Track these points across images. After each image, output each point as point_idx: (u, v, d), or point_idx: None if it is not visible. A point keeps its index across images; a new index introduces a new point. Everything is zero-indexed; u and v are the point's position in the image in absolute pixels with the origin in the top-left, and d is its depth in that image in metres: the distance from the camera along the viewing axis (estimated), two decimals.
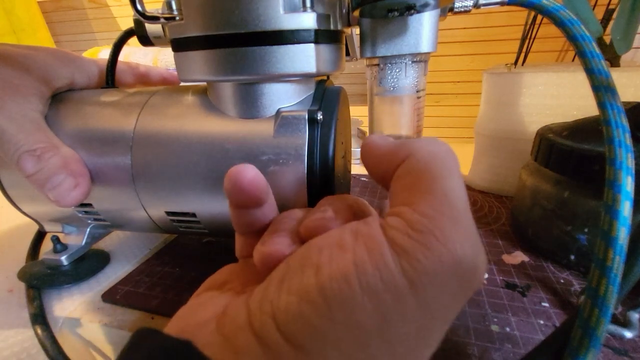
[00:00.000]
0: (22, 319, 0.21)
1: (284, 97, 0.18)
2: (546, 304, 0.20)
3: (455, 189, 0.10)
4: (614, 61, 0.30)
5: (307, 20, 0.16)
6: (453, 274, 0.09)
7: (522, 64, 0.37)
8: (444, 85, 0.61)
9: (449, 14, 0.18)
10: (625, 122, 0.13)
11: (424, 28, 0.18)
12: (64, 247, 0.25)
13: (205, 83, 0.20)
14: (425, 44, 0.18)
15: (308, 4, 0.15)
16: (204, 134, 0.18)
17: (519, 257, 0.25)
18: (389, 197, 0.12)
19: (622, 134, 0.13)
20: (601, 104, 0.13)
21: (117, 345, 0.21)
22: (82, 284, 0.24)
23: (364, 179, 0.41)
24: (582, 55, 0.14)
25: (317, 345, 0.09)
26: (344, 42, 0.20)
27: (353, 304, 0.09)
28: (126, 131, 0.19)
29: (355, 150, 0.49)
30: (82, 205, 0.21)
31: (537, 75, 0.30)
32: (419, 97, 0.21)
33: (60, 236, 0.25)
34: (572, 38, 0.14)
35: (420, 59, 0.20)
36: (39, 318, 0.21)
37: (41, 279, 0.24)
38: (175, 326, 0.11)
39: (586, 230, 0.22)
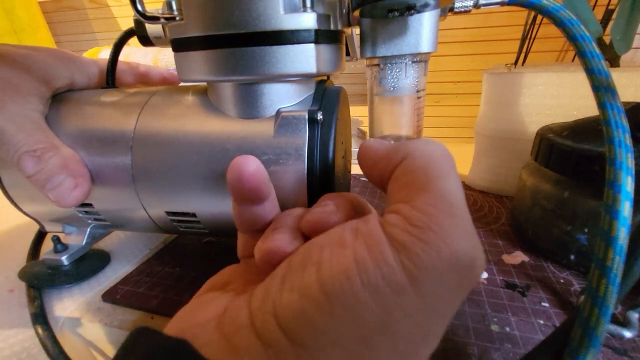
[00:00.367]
0: (23, 319, 0.21)
1: (284, 97, 0.18)
2: (546, 304, 0.20)
3: (452, 186, 0.10)
4: (614, 61, 0.30)
5: (307, 21, 0.16)
6: (452, 269, 0.09)
7: (522, 64, 0.37)
8: (444, 85, 0.61)
9: (449, 14, 0.18)
10: (625, 122, 0.13)
11: (424, 28, 0.18)
12: (65, 247, 0.25)
13: (205, 83, 0.20)
14: (425, 44, 0.18)
15: (308, 4, 0.15)
16: (204, 134, 0.18)
17: (519, 257, 0.25)
18: (386, 198, 0.12)
19: (622, 134, 0.13)
20: (601, 104, 0.13)
21: (118, 345, 0.21)
22: (82, 284, 0.24)
23: (364, 179, 0.41)
24: (582, 55, 0.14)
25: (319, 342, 0.09)
26: (344, 42, 0.20)
27: (355, 301, 0.09)
28: (126, 131, 0.19)
29: (355, 150, 0.49)
30: (83, 205, 0.21)
31: (537, 75, 0.30)
32: (419, 97, 0.21)
33: (61, 236, 0.25)
34: (572, 38, 0.14)
35: (420, 59, 0.20)
36: (40, 318, 0.21)
37: (42, 279, 0.24)
38: (176, 326, 0.11)
39: (586, 230, 0.22)
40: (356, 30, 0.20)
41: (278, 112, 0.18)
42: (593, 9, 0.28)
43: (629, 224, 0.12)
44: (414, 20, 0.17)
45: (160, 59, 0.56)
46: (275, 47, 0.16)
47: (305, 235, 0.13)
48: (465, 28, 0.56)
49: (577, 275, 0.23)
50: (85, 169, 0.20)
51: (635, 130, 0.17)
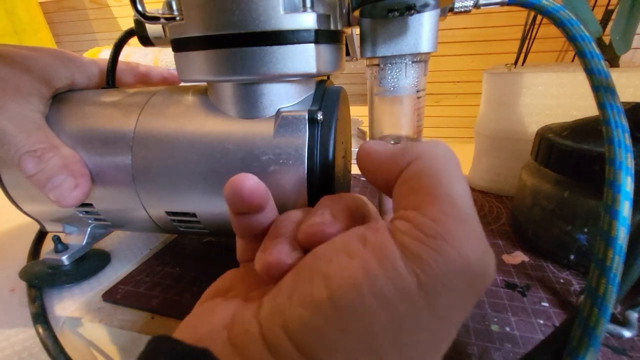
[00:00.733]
0: (24, 318, 0.21)
1: (284, 97, 0.18)
2: (546, 304, 0.20)
3: (461, 191, 0.10)
4: (613, 61, 0.30)
5: (307, 21, 0.16)
6: (463, 277, 0.09)
7: (522, 64, 0.37)
8: (444, 85, 0.61)
9: (449, 14, 0.18)
10: (624, 122, 0.13)
11: (424, 28, 0.18)
12: (65, 247, 0.25)
13: (205, 83, 0.20)
14: (425, 44, 0.18)
15: (308, 4, 0.15)
16: (204, 134, 0.18)
17: (519, 257, 0.25)
18: (393, 201, 0.12)
19: (622, 134, 0.13)
20: (601, 104, 0.13)
21: (118, 344, 0.21)
22: (83, 284, 0.24)
23: (364, 179, 0.41)
24: (581, 55, 0.14)
25: (331, 355, 0.09)
26: (344, 42, 0.20)
27: (365, 313, 0.08)
28: (126, 131, 0.19)
29: (356, 150, 0.49)
30: (83, 205, 0.21)
31: (537, 75, 0.30)
32: (419, 97, 0.21)
33: (61, 236, 0.25)
34: (572, 38, 0.14)
35: (420, 59, 0.20)
36: (41, 317, 0.21)
37: (42, 279, 0.24)
38: (187, 335, 0.11)
39: (586, 230, 0.22)
40: (356, 30, 0.20)
41: (278, 112, 0.18)
42: (592, 9, 0.28)
43: (628, 224, 0.12)
44: (414, 20, 0.17)
45: (160, 59, 0.56)
46: (275, 47, 0.16)
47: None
48: (465, 28, 0.56)
49: (577, 275, 0.23)
50: (85, 169, 0.20)
51: (635, 130, 0.17)
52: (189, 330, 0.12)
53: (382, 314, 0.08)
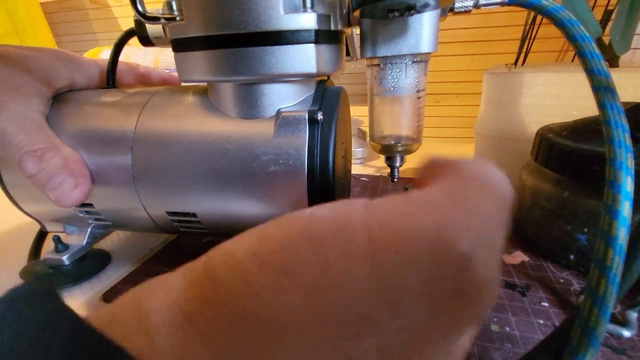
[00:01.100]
0: None
1: (284, 98, 0.18)
2: (546, 304, 0.20)
3: (491, 194, 0.09)
4: (613, 62, 0.30)
5: (308, 21, 0.16)
6: (427, 251, 0.07)
7: (522, 64, 0.37)
8: (444, 85, 0.61)
9: (449, 14, 0.18)
10: (625, 122, 0.13)
11: (424, 28, 0.18)
12: (65, 247, 0.25)
13: (205, 83, 0.20)
14: (425, 44, 0.18)
15: (308, 4, 0.15)
16: (204, 134, 0.18)
17: (519, 257, 0.25)
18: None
19: (622, 134, 0.13)
20: (601, 105, 0.13)
21: None
22: (83, 284, 0.24)
23: (364, 179, 0.41)
24: (581, 55, 0.14)
25: (228, 275, 0.08)
26: (344, 42, 0.20)
27: (290, 250, 0.07)
28: (127, 131, 0.19)
29: (356, 150, 0.49)
30: (83, 205, 0.21)
31: (537, 75, 0.30)
32: (419, 97, 0.21)
33: (62, 236, 0.25)
34: (572, 38, 0.14)
35: (420, 59, 0.20)
36: None
37: (43, 279, 0.24)
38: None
39: (586, 230, 0.22)
40: (356, 31, 0.20)
41: (278, 112, 0.18)
42: (592, 9, 0.28)
43: (628, 224, 0.12)
44: (414, 20, 0.18)
45: (160, 59, 0.56)
46: (275, 47, 0.16)
47: None
48: (465, 28, 0.56)
49: (577, 275, 0.23)
50: (85, 169, 0.20)
51: (635, 131, 0.17)
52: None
53: (309, 259, 0.07)
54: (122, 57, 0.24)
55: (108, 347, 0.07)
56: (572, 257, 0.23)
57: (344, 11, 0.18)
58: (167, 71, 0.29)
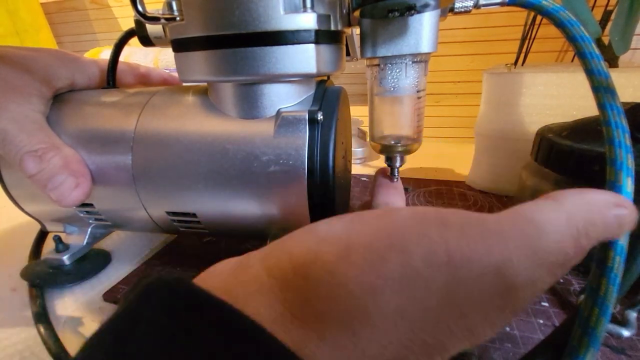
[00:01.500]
0: (26, 318, 0.21)
1: (284, 98, 0.18)
2: (546, 304, 0.20)
3: (546, 247, 0.09)
4: (613, 62, 0.30)
5: (308, 21, 0.16)
6: (497, 278, 0.08)
7: (522, 64, 0.37)
8: (444, 85, 0.61)
9: (450, 14, 0.18)
10: (625, 122, 0.13)
11: (424, 28, 0.18)
12: (66, 247, 0.25)
13: (205, 83, 0.20)
14: (425, 44, 0.18)
15: (308, 4, 0.15)
16: (204, 134, 0.18)
17: None
18: None
19: (622, 135, 0.13)
20: (601, 105, 0.13)
21: None
22: (83, 284, 0.24)
23: (365, 178, 0.41)
24: (581, 56, 0.14)
25: (325, 281, 0.08)
26: (345, 42, 0.20)
27: (376, 255, 0.08)
28: (127, 131, 0.20)
29: (356, 150, 0.49)
30: (84, 205, 0.21)
31: (537, 75, 0.30)
32: (419, 98, 0.21)
33: (62, 236, 0.25)
34: (572, 39, 0.14)
35: (420, 59, 0.20)
36: (42, 317, 0.21)
37: (44, 278, 0.24)
38: (200, 276, 0.11)
39: None
40: (356, 31, 0.20)
41: (278, 112, 0.18)
42: (592, 9, 0.28)
43: None
44: (414, 20, 0.18)
45: (160, 59, 0.56)
46: (275, 48, 0.16)
47: None
48: (465, 28, 0.56)
49: (577, 275, 0.23)
50: (86, 168, 0.20)
51: (634, 131, 0.17)
52: (197, 277, 0.11)
53: (397, 266, 0.08)
54: (123, 57, 0.24)
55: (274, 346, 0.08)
56: None
57: (344, 11, 0.18)
58: (167, 71, 0.29)
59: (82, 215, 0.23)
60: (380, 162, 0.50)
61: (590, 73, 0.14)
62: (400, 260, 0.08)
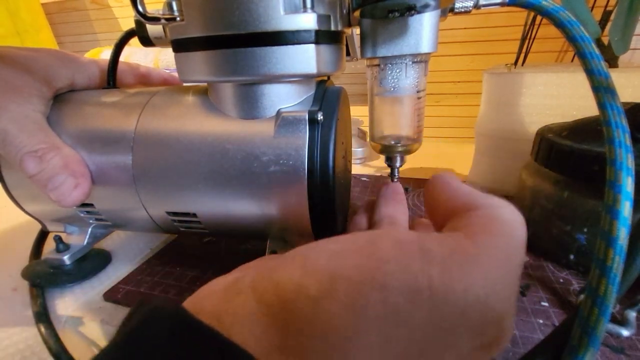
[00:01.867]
0: (26, 317, 0.21)
1: (284, 98, 0.18)
2: (545, 304, 0.20)
3: (518, 253, 0.10)
4: (612, 62, 0.30)
5: (308, 21, 0.16)
6: (478, 309, 0.09)
7: (522, 64, 0.37)
8: (444, 85, 0.61)
9: (450, 14, 0.18)
10: (625, 122, 0.13)
11: (424, 28, 0.18)
12: (66, 247, 0.25)
13: (205, 83, 0.20)
14: (425, 45, 0.18)
15: (308, 4, 0.15)
16: (204, 134, 0.18)
17: None
18: (447, 225, 0.12)
19: (622, 135, 0.13)
20: (601, 105, 0.13)
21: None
22: (84, 283, 0.24)
23: (365, 178, 0.41)
24: (581, 56, 0.14)
25: (311, 318, 0.09)
26: (345, 42, 0.20)
27: (359, 292, 0.08)
28: (127, 131, 0.20)
29: (356, 150, 0.49)
30: (84, 205, 0.21)
31: (537, 75, 0.30)
32: (419, 98, 0.21)
33: (63, 236, 0.25)
34: (572, 39, 0.14)
35: (420, 59, 0.20)
36: (43, 316, 0.21)
37: (44, 278, 0.24)
38: (194, 295, 0.12)
39: (585, 230, 0.22)
40: (356, 31, 0.20)
41: (278, 112, 0.18)
42: (591, 10, 0.28)
43: (629, 224, 0.12)
44: (415, 20, 0.18)
45: (161, 59, 0.56)
46: (275, 48, 0.16)
47: None
48: (465, 28, 0.56)
49: (577, 274, 0.23)
50: (86, 169, 0.20)
51: (634, 131, 0.17)
52: (199, 292, 0.12)
53: (378, 304, 0.08)
54: (123, 57, 0.24)
55: None
56: (571, 256, 0.23)
57: (344, 11, 0.18)
58: (167, 71, 0.29)
59: (82, 215, 0.23)
60: (380, 162, 0.50)
61: (590, 73, 0.14)
62: (382, 298, 0.08)
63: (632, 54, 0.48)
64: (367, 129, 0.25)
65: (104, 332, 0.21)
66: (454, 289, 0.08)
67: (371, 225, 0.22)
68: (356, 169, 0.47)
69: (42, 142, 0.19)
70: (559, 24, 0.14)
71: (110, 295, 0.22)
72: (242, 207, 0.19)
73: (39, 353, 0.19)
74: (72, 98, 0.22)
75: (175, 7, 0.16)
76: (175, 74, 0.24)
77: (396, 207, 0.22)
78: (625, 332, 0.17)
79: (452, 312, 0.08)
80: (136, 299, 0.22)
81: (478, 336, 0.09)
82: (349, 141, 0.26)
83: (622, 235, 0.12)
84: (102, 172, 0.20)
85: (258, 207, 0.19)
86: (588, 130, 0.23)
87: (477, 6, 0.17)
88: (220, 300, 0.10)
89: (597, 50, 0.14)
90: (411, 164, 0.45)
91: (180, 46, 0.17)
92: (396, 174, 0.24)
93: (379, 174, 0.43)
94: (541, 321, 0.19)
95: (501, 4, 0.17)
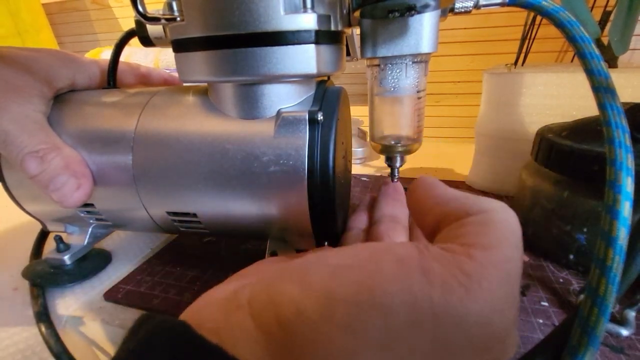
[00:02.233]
0: (27, 317, 0.21)
1: (284, 98, 0.18)
2: (545, 303, 0.20)
3: (515, 259, 0.10)
4: (612, 62, 0.30)
5: (308, 21, 0.16)
6: (479, 329, 0.08)
7: (522, 64, 0.37)
8: (444, 85, 0.61)
9: (450, 14, 0.18)
10: (625, 123, 0.13)
11: (424, 29, 0.18)
12: (67, 247, 0.25)
13: (206, 84, 0.20)
14: (425, 45, 0.18)
15: (309, 4, 0.15)
16: (204, 135, 0.18)
17: None
18: (441, 234, 0.12)
19: (622, 135, 0.13)
20: (601, 105, 0.13)
21: (119, 343, 0.21)
22: (84, 283, 0.24)
23: (365, 178, 0.41)
24: (581, 56, 0.14)
25: (308, 341, 0.08)
26: (345, 42, 0.20)
27: (358, 315, 0.08)
28: (127, 131, 0.20)
29: (356, 150, 0.49)
30: (84, 205, 0.22)
31: (537, 75, 0.30)
32: (419, 98, 0.21)
33: (63, 236, 0.25)
34: (572, 39, 0.14)
35: (420, 59, 0.20)
36: (43, 316, 0.21)
37: (45, 278, 0.24)
38: (194, 305, 0.12)
39: (585, 230, 0.22)
40: (356, 31, 0.20)
41: (278, 112, 0.18)
42: (591, 10, 0.28)
43: (629, 224, 0.12)
44: (415, 20, 0.18)
45: (161, 59, 0.57)
46: (275, 48, 0.16)
47: None
48: (465, 28, 0.56)
49: (576, 274, 0.23)
50: (87, 169, 0.20)
51: (634, 131, 0.17)
52: (197, 302, 0.12)
53: (378, 321, 0.08)
54: (123, 58, 0.24)
55: None
56: (571, 256, 0.23)
57: (344, 11, 0.18)
58: (167, 71, 0.29)
59: (82, 215, 0.23)
60: (381, 162, 0.50)
61: (590, 73, 0.14)
62: (381, 320, 0.08)
63: (631, 54, 0.48)
64: (367, 129, 0.25)
65: (104, 332, 0.21)
66: (456, 311, 0.08)
67: (371, 223, 0.22)
68: (356, 169, 0.47)
69: (43, 143, 0.19)
70: (559, 24, 0.14)
71: (111, 295, 0.22)
72: (242, 207, 0.19)
73: (39, 352, 0.19)
74: (72, 98, 0.22)
75: (175, 7, 0.16)
76: (175, 74, 0.24)
77: (397, 206, 0.22)
78: (624, 332, 0.18)
79: (454, 333, 0.08)
80: (136, 299, 0.22)
81: (482, 354, 0.09)
82: (349, 141, 0.26)
83: (622, 235, 0.12)
84: (103, 172, 0.20)
85: (258, 207, 0.19)
86: (588, 130, 0.23)
87: (477, 6, 0.17)
88: (220, 315, 0.10)
89: (597, 51, 0.14)
90: (411, 164, 0.45)
91: (181, 46, 0.17)
92: (396, 174, 0.24)
93: (379, 174, 0.43)
94: (541, 321, 0.19)
95: (501, 4, 0.17)
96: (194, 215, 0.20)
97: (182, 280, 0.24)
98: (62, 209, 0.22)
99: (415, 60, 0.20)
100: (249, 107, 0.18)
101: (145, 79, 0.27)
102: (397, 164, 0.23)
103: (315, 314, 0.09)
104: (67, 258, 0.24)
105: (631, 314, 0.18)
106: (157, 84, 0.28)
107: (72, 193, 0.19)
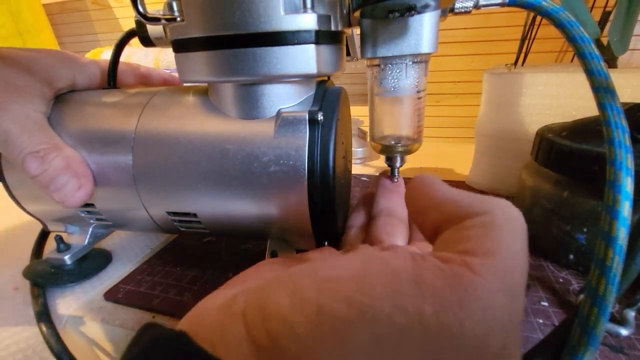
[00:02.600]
0: (28, 317, 0.21)
1: (284, 98, 0.18)
2: (545, 303, 0.20)
3: (521, 261, 0.09)
4: (611, 62, 0.30)
5: (308, 21, 0.16)
6: (477, 345, 0.08)
7: (522, 64, 0.37)
8: (444, 85, 0.61)
9: (450, 14, 0.18)
10: (624, 123, 0.13)
11: (424, 29, 0.18)
12: (67, 247, 0.25)
13: (206, 84, 0.20)
14: (425, 45, 0.18)
15: (309, 4, 0.15)
16: (204, 135, 0.18)
17: None
18: (436, 243, 0.11)
19: (622, 135, 0.13)
20: (601, 105, 0.13)
21: (119, 343, 0.21)
22: (85, 283, 0.24)
23: (365, 178, 0.41)
24: (581, 56, 0.14)
25: (298, 353, 0.08)
26: (345, 42, 0.20)
27: (347, 328, 0.08)
28: (127, 132, 0.20)
29: (356, 150, 0.49)
30: (85, 205, 0.22)
31: (537, 75, 0.30)
32: (419, 98, 0.21)
33: (64, 236, 0.25)
34: (572, 39, 0.14)
35: (420, 59, 0.20)
36: (44, 316, 0.21)
37: (45, 278, 0.24)
38: (191, 313, 0.12)
39: (585, 229, 0.22)
40: (356, 31, 0.20)
41: (278, 112, 0.18)
42: (591, 10, 0.28)
43: (628, 224, 0.12)
44: (415, 20, 0.18)
45: (161, 59, 0.57)
46: (275, 48, 0.16)
47: None
48: (465, 28, 0.56)
49: (576, 274, 0.23)
50: (87, 169, 0.20)
51: (634, 131, 0.17)
52: (197, 308, 0.12)
53: (367, 341, 0.08)
54: (123, 58, 0.24)
55: None
56: (571, 256, 0.23)
57: (344, 11, 0.18)
58: (167, 71, 0.29)
59: (83, 215, 0.23)
60: (381, 162, 0.50)
61: (590, 73, 0.14)
62: (371, 334, 0.08)
63: (631, 54, 0.48)
64: (367, 129, 0.25)
65: (104, 332, 0.21)
66: (449, 325, 0.08)
67: (370, 219, 0.21)
68: (356, 169, 0.47)
69: (43, 143, 0.19)
70: (559, 25, 0.14)
71: (111, 295, 0.23)
72: (243, 207, 0.19)
73: (40, 352, 0.19)
74: (72, 98, 0.22)
75: (175, 8, 0.16)
76: (176, 74, 0.24)
77: (394, 199, 0.22)
78: (624, 332, 0.18)
79: (447, 347, 0.08)
80: (137, 299, 0.22)
81: None
82: (349, 141, 0.26)
83: (622, 235, 0.12)
84: (103, 172, 0.20)
85: (258, 207, 0.19)
86: (588, 130, 0.23)
87: (477, 6, 0.17)
88: (216, 324, 0.10)
89: (596, 51, 0.14)
90: (411, 164, 0.45)
91: (181, 46, 0.17)
92: (396, 174, 0.24)
93: (379, 174, 0.43)
94: (541, 321, 0.19)
95: (501, 4, 0.17)
96: (194, 215, 0.20)
97: (182, 280, 0.24)
98: (62, 209, 0.22)
99: (416, 60, 0.20)
100: (249, 107, 0.18)
101: (145, 79, 0.27)
102: (397, 164, 0.23)
103: (304, 330, 0.09)
104: (67, 258, 0.25)
105: (631, 314, 0.18)
106: (157, 84, 0.28)
107: (73, 193, 0.19)
